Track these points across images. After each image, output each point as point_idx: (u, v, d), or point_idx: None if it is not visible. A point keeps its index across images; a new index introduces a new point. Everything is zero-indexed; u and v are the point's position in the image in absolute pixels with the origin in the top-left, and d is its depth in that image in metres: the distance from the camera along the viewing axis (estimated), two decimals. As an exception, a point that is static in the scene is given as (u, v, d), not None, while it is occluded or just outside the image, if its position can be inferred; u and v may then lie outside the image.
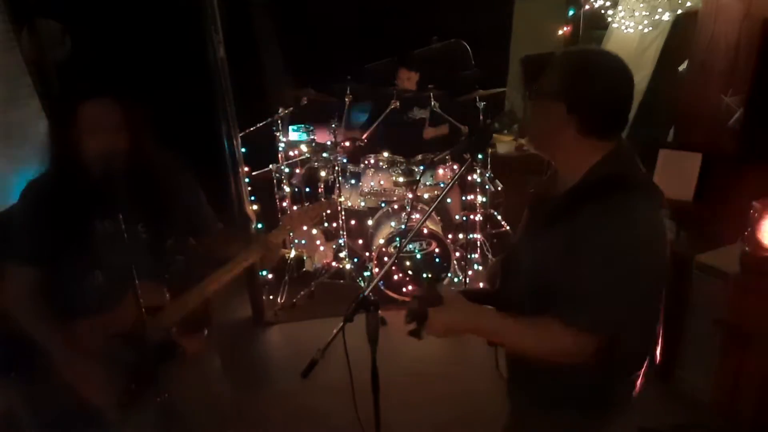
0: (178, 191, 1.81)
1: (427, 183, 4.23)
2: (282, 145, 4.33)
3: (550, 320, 1.25)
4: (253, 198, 4.07)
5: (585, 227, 1.25)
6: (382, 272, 1.88)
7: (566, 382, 1.33)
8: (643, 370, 1.40)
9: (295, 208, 4.45)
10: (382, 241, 3.88)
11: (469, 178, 4.25)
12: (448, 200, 4.43)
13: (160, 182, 1.74)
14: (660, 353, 2.94)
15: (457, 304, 1.37)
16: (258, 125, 4.26)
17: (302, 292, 4.10)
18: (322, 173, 4.32)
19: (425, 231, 3.88)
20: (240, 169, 3.74)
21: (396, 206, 4.18)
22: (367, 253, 4.22)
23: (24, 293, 1.67)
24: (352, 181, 4.37)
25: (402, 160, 4.21)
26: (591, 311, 1.23)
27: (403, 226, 3.90)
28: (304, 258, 4.40)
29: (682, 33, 4.41)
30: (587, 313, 1.23)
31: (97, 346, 1.66)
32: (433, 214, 4.02)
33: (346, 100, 4.17)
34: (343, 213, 4.24)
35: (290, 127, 4.64)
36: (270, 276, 4.18)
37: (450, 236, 4.20)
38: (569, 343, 1.23)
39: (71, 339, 1.65)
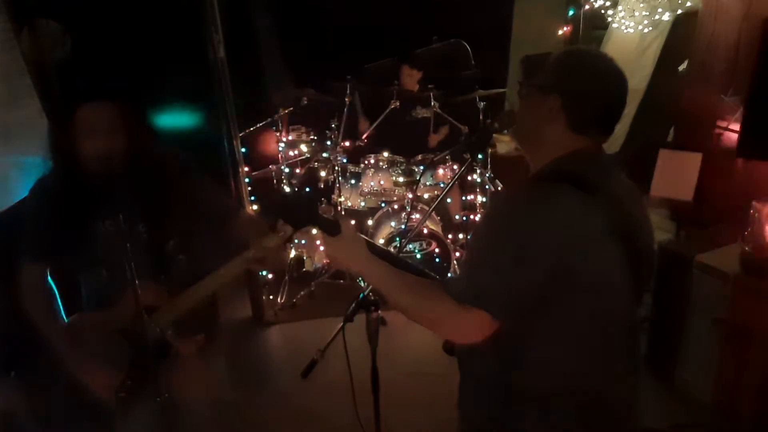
0: (186, 191, 1.80)
1: (427, 183, 4.23)
2: (282, 145, 4.34)
3: (437, 284, 1.22)
4: (253, 198, 4.07)
5: (493, 206, 1.25)
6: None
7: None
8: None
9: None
10: (382, 241, 3.88)
11: (469, 178, 4.25)
12: (448, 200, 4.43)
13: (161, 183, 1.75)
14: (660, 353, 2.97)
15: (355, 243, 1.32)
16: (258, 125, 4.26)
17: (302, 292, 4.10)
18: (322, 173, 4.32)
19: (425, 231, 3.88)
20: (240, 169, 3.74)
21: (396, 206, 4.17)
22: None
23: (35, 289, 1.75)
24: (352, 181, 4.37)
25: (402, 160, 4.21)
26: (464, 281, 1.20)
27: (403, 226, 3.90)
28: (304, 258, 4.40)
29: (682, 33, 4.42)
30: (461, 281, 1.21)
31: (97, 339, 1.72)
32: (433, 214, 4.02)
33: (346, 100, 4.17)
34: (343, 213, 4.23)
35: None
36: (270, 276, 4.18)
37: (450, 236, 4.19)
38: (444, 309, 1.18)
39: (73, 331, 1.72)
